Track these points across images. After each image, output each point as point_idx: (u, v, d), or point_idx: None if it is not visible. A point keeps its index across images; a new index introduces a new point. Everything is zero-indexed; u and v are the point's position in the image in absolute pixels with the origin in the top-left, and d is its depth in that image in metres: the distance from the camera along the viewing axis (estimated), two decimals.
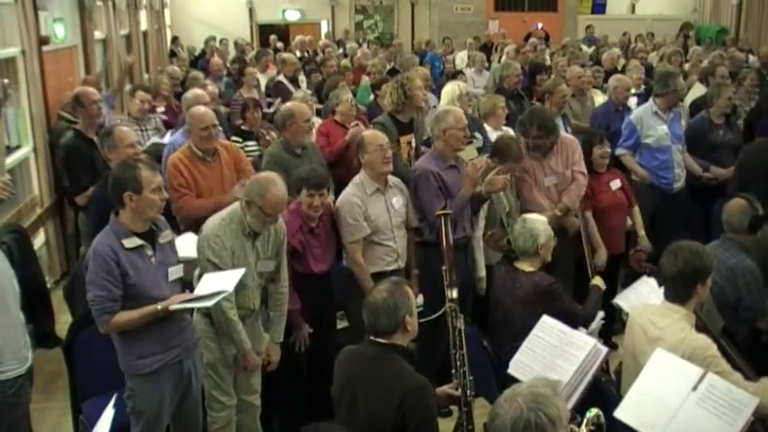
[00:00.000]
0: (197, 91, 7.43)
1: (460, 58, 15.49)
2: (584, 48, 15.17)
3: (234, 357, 4.73)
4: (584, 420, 3.22)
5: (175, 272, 4.27)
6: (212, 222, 4.55)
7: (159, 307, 4.02)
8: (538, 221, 4.99)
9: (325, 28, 21.94)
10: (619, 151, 7.30)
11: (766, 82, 10.81)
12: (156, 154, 6.49)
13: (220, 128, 7.01)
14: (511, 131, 6.17)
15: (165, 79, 9.83)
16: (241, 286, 4.43)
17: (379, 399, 3.45)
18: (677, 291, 3.94)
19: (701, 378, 3.43)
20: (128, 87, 9.94)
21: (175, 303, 4.05)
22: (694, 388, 3.42)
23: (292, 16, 22.14)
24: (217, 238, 4.43)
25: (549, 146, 6.12)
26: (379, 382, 3.48)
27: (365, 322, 3.59)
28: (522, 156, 5.91)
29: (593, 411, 3.24)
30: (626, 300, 5.07)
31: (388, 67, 12.44)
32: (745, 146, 6.99)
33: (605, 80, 9.84)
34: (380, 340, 3.56)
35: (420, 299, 5.75)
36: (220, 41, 16.00)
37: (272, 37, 17.78)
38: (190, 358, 4.41)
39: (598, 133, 6.65)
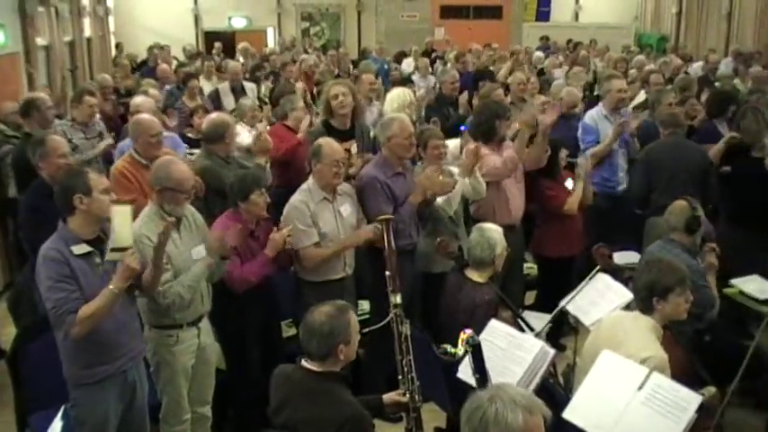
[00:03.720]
0: (137, 99, 7.35)
1: (407, 64, 15.58)
2: (538, 54, 15.41)
3: (192, 367, 4.74)
4: (460, 341, 3.36)
5: None
6: (135, 226, 4.50)
7: (111, 286, 3.96)
8: (494, 231, 5.04)
9: (271, 35, 21.88)
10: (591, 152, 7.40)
11: (713, 88, 11.07)
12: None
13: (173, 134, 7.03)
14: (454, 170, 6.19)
15: (88, 86, 9.67)
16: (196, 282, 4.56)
17: (315, 429, 3.41)
18: (638, 302, 4.08)
19: (647, 377, 3.49)
20: (70, 94, 9.79)
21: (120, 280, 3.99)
22: (640, 387, 3.47)
23: (239, 23, 22.05)
24: (144, 238, 4.40)
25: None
26: (315, 412, 3.42)
27: (300, 339, 3.54)
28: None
29: (467, 333, 3.37)
30: (573, 302, 5.15)
31: (336, 72, 12.48)
32: (649, 145, 7.11)
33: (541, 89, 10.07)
34: (313, 368, 3.50)
35: (366, 305, 5.77)
36: (161, 48, 15.83)
37: (217, 44, 17.67)
38: (135, 368, 4.36)
39: (559, 140, 6.71)
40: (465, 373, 4.12)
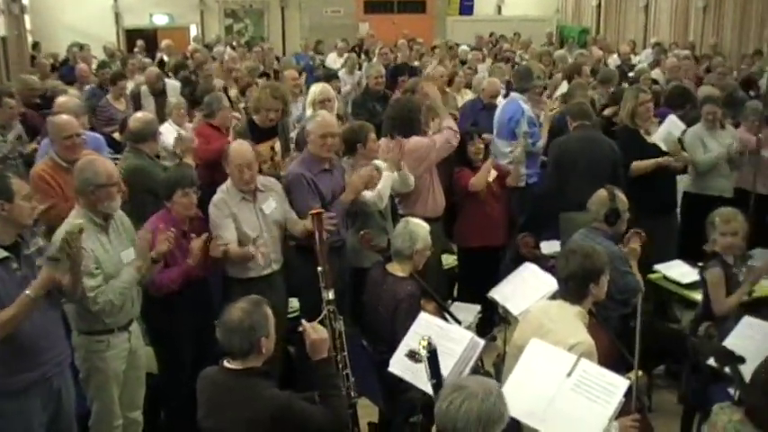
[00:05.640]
0: (60, 98, 7.18)
1: (332, 59, 15.55)
2: (464, 48, 15.55)
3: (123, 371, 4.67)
4: (420, 344, 3.49)
5: None
6: (62, 231, 4.40)
7: (29, 291, 3.85)
8: (420, 226, 5.04)
9: (194, 32, 21.58)
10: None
11: (627, 78, 11.36)
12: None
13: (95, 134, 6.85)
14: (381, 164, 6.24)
15: (6, 88, 9.36)
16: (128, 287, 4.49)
17: (246, 429, 3.41)
18: (570, 291, 4.09)
19: (575, 364, 3.54)
20: None
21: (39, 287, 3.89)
22: (569, 374, 3.52)
23: (160, 21, 21.69)
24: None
25: None
26: (242, 412, 3.41)
27: (219, 340, 3.51)
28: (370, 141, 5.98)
29: (426, 338, 3.51)
30: (501, 292, 5.21)
31: (261, 69, 12.36)
32: (558, 139, 7.20)
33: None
34: (235, 366, 3.49)
35: (296, 303, 5.74)
36: (81, 48, 15.49)
37: (139, 42, 17.35)
38: (60, 375, 4.26)
39: (470, 131, 6.80)
40: (396, 367, 4.15)
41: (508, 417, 2.68)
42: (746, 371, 3.48)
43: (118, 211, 4.66)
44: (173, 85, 10.64)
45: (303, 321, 3.72)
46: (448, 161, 6.68)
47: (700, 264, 5.47)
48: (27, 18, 17.85)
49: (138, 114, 6.58)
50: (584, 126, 6.86)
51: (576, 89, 8.23)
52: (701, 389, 4.75)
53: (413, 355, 3.59)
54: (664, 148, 6.87)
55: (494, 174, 6.68)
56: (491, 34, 19.14)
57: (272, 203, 5.32)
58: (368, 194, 5.73)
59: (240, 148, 5.22)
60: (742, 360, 3.71)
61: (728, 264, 5.17)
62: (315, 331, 3.63)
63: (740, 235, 5.21)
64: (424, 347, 3.47)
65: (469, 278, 6.74)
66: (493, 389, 2.63)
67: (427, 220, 5.39)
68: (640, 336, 4.32)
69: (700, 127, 7.51)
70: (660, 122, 7.19)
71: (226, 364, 3.52)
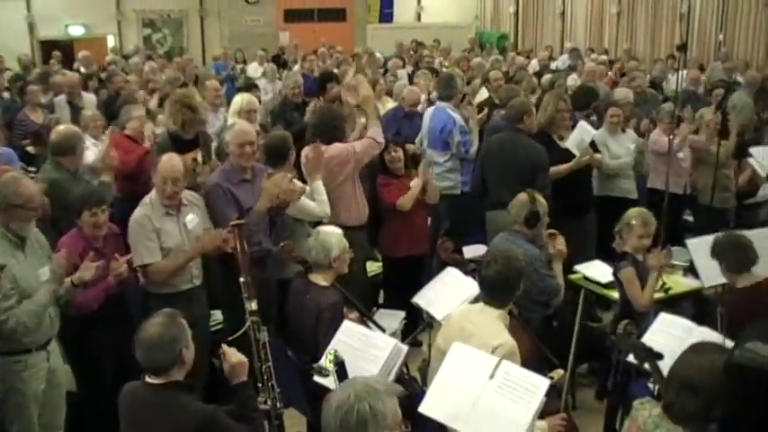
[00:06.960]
0: None
1: (253, 68, 15.46)
2: (379, 55, 15.63)
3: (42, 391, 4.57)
4: (326, 357, 3.60)
5: None
6: None
7: None
8: (331, 234, 5.01)
9: (111, 43, 21.18)
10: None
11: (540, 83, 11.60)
12: None
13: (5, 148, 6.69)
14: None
15: None
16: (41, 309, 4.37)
17: None
18: (498, 296, 4.13)
19: (497, 366, 3.58)
20: None
21: None
22: (491, 376, 3.55)
23: (76, 31, 21.22)
24: None
25: None
26: (167, 425, 3.39)
27: (140, 359, 3.47)
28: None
29: (332, 351, 3.63)
30: (424, 297, 5.24)
31: (182, 80, 12.20)
32: (486, 141, 7.34)
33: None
34: (157, 381, 3.46)
35: (219, 315, 5.69)
36: None
37: (56, 53, 16.94)
38: None
39: (389, 140, 6.77)
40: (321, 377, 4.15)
41: (394, 417, 2.60)
42: (664, 366, 3.56)
43: (33, 229, 4.55)
44: (89, 98, 10.44)
45: (223, 346, 3.70)
46: (371, 169, 6.70)
47: (615, 263, 5.59)
48: None
49: (61, 127, 6.39)
50: (514, 129, 6.91)
51: (512, 94, 8.27)
52: (623, 385, 4.86)
53: (320, 371, 3.62)
54: (576, 153, 7.00)
55: (417, 182, 6.69)
56: (413, 41, 19.27)
57: (195, 218, 5.27)
58: (316, 209, 5.74)
59: (170, 161, 5.11)
60: (660, 356, 3.79)
61: (639, 261, 5.36)
62: (234, 355, 3.63)
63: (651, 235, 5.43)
64: (330, 361, 3.49)
65: (395, 285, 6.76)
66: (370, 389, 2.54)
67: (351, 228, 5.39)
68: (566, 336, 4.42)
69: (602, 131, 7.69)
70: (573, 127, 7.32)
71: (147, 379, 3.48)
